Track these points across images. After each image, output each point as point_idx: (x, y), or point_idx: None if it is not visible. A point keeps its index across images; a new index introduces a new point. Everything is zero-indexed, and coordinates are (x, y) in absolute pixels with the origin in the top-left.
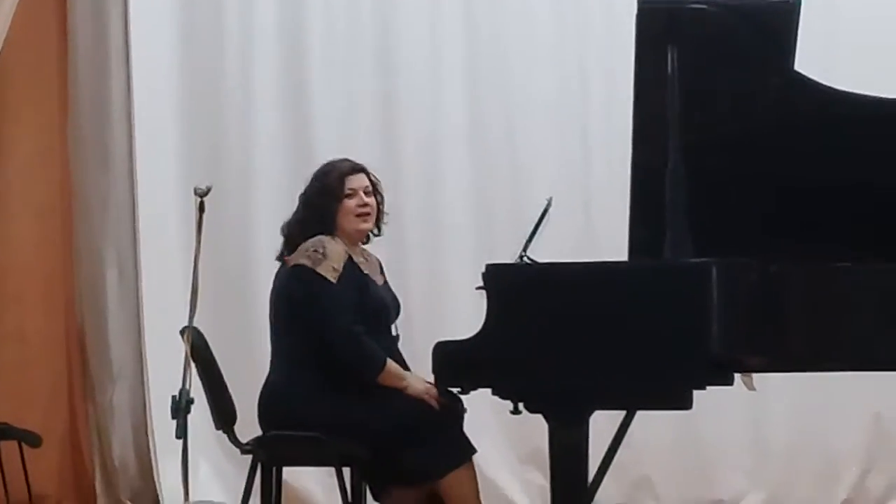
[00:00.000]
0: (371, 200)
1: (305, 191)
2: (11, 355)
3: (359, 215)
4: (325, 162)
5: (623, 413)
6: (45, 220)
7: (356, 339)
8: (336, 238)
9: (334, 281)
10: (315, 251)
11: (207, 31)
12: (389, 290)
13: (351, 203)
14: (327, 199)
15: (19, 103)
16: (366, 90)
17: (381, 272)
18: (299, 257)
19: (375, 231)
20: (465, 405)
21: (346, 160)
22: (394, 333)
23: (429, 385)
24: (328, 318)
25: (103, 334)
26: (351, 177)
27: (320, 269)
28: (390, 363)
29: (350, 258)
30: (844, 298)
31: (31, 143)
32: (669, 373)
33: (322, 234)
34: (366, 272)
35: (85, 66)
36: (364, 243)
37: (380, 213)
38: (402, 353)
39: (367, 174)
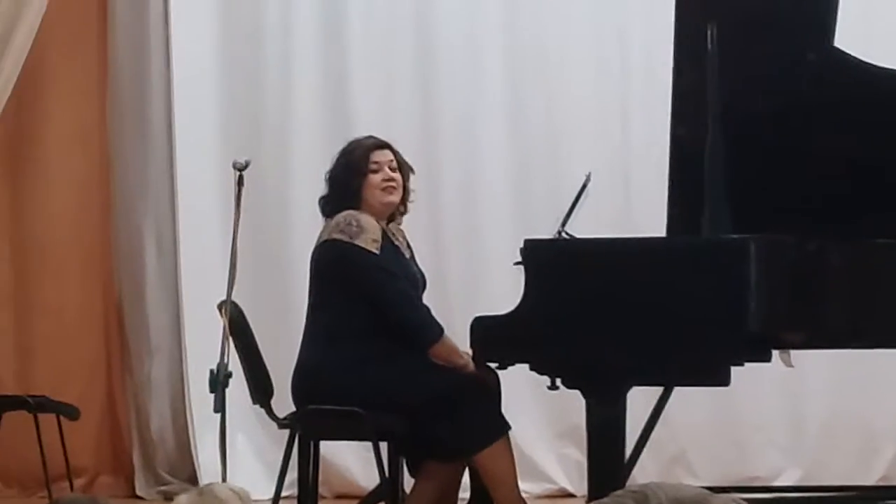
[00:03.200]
0: (397, 175)
1: (331, 168)
2: (50, 329)
3: (384, 189)
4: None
5: (660, 390)
6: (84, 194)
7: (414, 304)
8: (364, 212)
9: (377, 252)
10: (349, 225)
11: (247, 6)
12: (416, 263)
13: (376, 177)
14: (352, 174)
15: (59, 77)
16: (404, 66)
17: (408, 246)
18: (332, 232)
19: (401, 209)
20: (503, 381)
21: (371, 137)
22: None
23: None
24: (383, 286)
25: (142, 308)
26: (376, 151)
27: (359, 242)
28: (448, 335)
29: (383, 230)
30: (883, 275)
31: (70, 116)
32: (707, 349)
33: (348, 209)
34: (396, 244)
35: (125, 40)
36: (389, 222)
37: (405, 190)
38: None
39: (393, 150)
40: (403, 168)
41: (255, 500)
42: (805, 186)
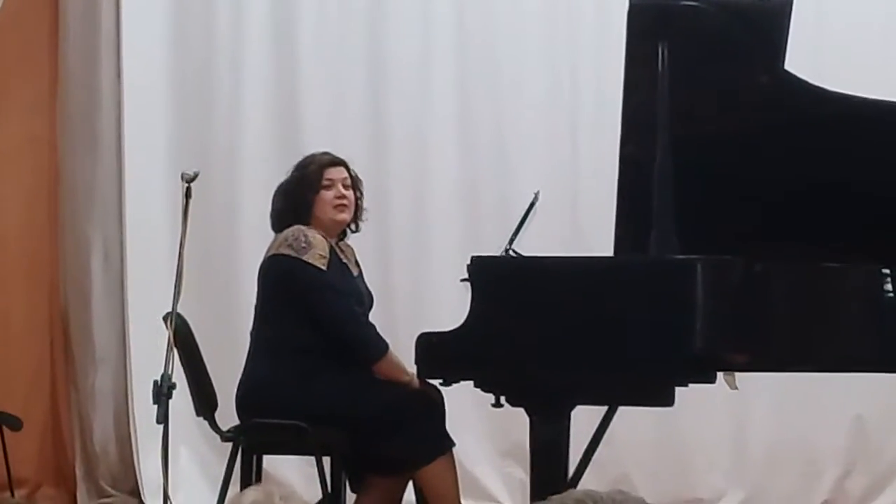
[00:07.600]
0: (349, 193)
1: (284, 182)
2: None
3: (336, 206)
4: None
5: (604, 409)
6: (31, 205)
7: (359, 321)
8: (313, 228)
9: (324, 268)
10: (297, 240)
11: (198, 19)
12: (363, 281)
13: (328, 194)
14: (305, 189)
15: (8, 88)
16: (355, 81)
17: (357, 263)
18: (280, 247)
19: (353, 227)
20: (447, 398)
21: (327, 153)
22: None
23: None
24: (329, 303)
25: (87, 319)
26: (330, 168)
27: (307, 258)
28: (393, 352)
29: (331, 247)
30: (828, 298)
31: (19, 127)
32: (652, 369)
33: (298, 224)
34: (344, 262)
35: (75, 51)
36: (339, 239)
37: (358, 208)
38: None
39: (348, 168)
40: (357, 185)
41: None
42: (753, 208)
